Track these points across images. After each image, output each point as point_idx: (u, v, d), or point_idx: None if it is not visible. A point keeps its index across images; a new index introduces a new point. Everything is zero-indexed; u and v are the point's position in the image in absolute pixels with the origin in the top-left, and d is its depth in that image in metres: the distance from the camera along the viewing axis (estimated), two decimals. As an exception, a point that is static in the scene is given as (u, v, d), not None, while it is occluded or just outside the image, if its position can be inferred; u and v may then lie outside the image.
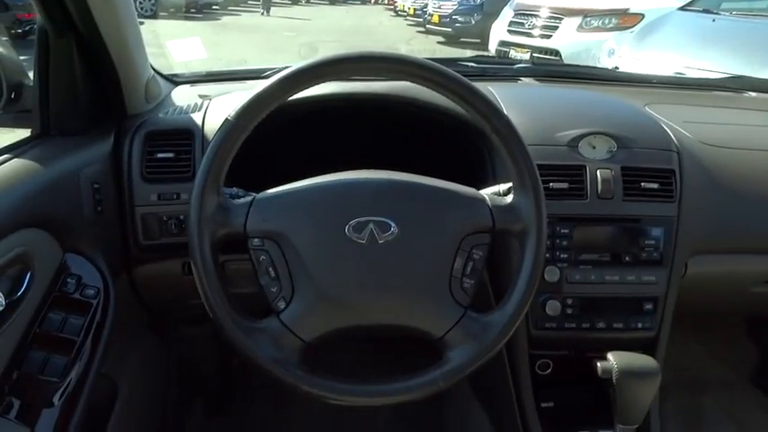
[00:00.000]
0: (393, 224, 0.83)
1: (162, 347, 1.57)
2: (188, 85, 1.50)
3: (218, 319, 0.81)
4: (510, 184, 0.89)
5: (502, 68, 1.69)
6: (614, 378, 1.04)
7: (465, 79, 0.84)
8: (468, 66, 1.65)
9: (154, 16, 11.87)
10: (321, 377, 0.82)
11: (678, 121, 1.38)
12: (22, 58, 1.18)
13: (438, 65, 0.83)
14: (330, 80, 0.84)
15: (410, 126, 1.37)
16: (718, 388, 1.93)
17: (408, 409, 1.88)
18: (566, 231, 1.19)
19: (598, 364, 1.07)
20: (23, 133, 1.11)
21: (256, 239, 0.83)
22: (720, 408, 1.87)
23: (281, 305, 0.83)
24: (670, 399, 1.83)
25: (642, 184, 1.20)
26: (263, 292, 0.84)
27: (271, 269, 0.83)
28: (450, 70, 0.84)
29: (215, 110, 1.23)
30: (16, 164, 0.94)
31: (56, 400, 0.86)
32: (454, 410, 1.79)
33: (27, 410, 0.83)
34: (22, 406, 0.82)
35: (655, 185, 1.21)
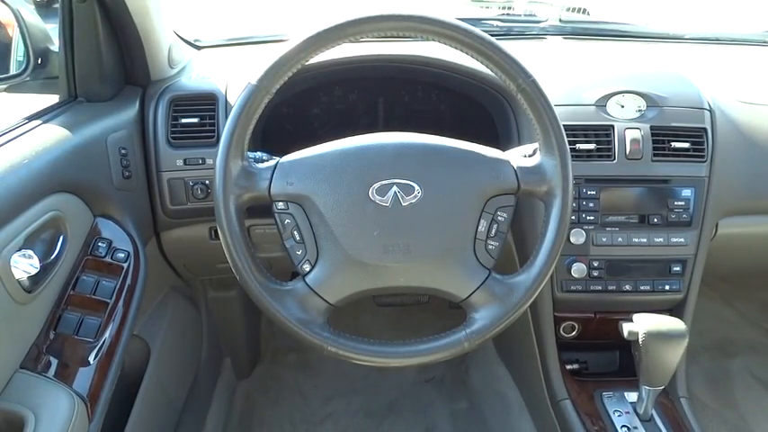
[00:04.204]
0: (417, 186, 0.82)
1: (192, 311, 1.61)
2: (211, 50, 1.50)
3: (244, 282, 0.82)
4: (536, 145, 0.88)
5: (528, 27, 1.65)
6: (641, 340, 1.03)
7: (490, 37, 0.82)
8: (493, 24, 1.61)
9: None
10: (347, 338, 0.83)
11: (713, 78, 1.34)
12: (48, 26, 1.19)
13: (461, 23, 0.81)
14: (352, 41, 0.82)
15: (434, 88, 1.35)
16: (745, 350, 1.92)
17: (434, 371, 1.90)
18: (592, 193, 1.17)
19: (624, 326, 1.07)
20: (52, 99, 1.12)
21: (281, 203, 0.84)
22: (748, 370, 1.86)
23: (307, 268, 0.84)
24: (697, 360, 1.82)
25: (672, 143, 1.17)
26: (288, 256, 0.85)
27: (295, 232, 0.84)
28: (474, 28, 0.82)
29: (238, 74, 1.23)
30: (45, 129, 0.96)
31: (91, 359, 0.88)
32: (479, 372, 1.82)
33: (64, 369, 0.85)
34: (60, 365, 0.85)
35: (685, 145, 1.18)
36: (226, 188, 0.81)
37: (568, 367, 1.33)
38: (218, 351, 1.79)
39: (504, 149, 0.90)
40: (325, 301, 0.84)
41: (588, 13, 2.00)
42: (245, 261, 0.82)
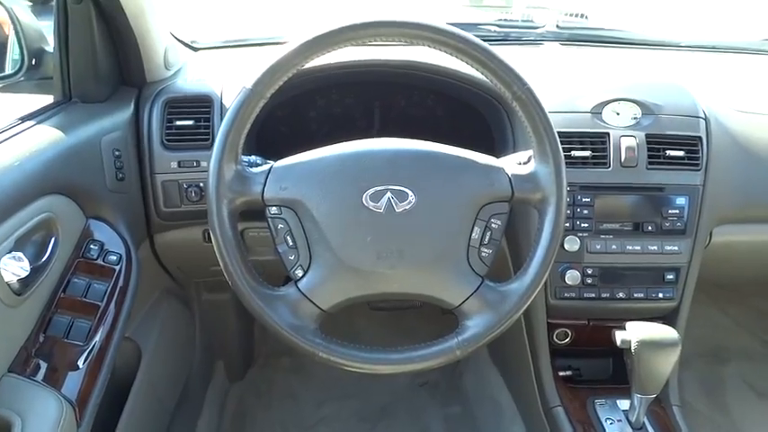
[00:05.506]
0: (411, 193, 0.82)
1: (185, 314, 1.60)
2: (207, 52, 1.49)
3: (236, 286, 0.82)
4: (530, 153, 0.87)
5: (525, 32, 1.65)
6: (633, 348, 1.03)
7: (485, 44, 0.82)
8: (489, 30, 1.61)
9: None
10: (338, 344, 0.83)
11: (710, 87, 1.34)
12: (42, 24, 1.19)
13: (457, 29, 0.81)
14: (346, 46, 0.82)
15: (430, 93, 1.35)
16: (739, 358, 1.92)
17: (427, 375, 1.90)
18: (587, 200, 1.17)
19: (617, 335, 1.07)
20: (46, 100, 1.12)
21: (274, 208, 0.83)
22: (741, 378, 1.86)
23: (299, 273, 0.84)
24: (690, 368, 1.82)
25: (667, 151, 1.18)
26: (281, 261, 0.85)
27: (288, 237, 0.83)
28: (469, 35, 0.81)
29: (234, 77, 1.23)
30: (39, 130, 0.95)
31: (81, 363, 0.88)
32: (473, 377, 1.81)
33: (53, 373, 0.85)
34: (49, 369, 0.85)
35: (680, 153, 1.18)
36: (219, 192, 0.81)
37: (561, 374, 1.33)
38: (210, 354, 1.78)
39: (500, 156, 0.90)
40: (318, 307, 0.83)
41: (587, 19, 2.00)
42: (237, 266, 0.82)
